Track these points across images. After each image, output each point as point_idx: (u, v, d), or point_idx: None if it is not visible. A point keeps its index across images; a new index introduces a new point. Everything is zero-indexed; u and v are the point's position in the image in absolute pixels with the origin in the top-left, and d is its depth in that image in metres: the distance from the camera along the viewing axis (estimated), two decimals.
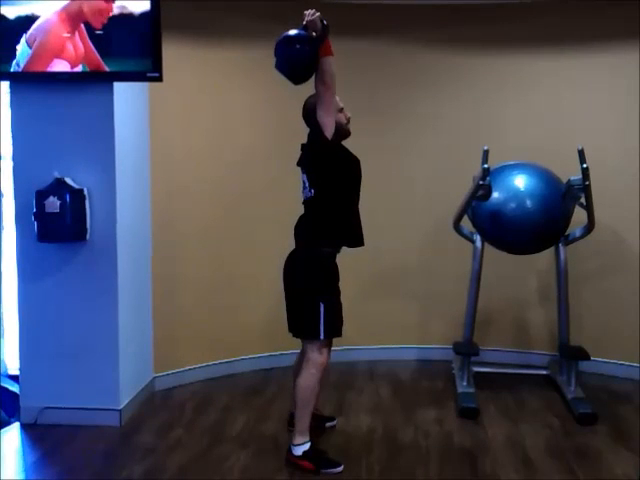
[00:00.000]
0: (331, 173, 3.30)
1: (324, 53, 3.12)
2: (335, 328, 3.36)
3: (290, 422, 3.77)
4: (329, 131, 3.21)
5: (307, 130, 3.39)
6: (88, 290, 3.81)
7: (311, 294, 3.31)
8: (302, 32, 3.11)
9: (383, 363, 4.94)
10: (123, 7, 3.58)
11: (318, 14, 3.13)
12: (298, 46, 3.09)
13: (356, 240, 3.44)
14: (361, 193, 3.45)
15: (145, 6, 3.57)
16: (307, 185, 3.37)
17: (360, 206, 3.46)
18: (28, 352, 3.88)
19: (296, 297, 3.38)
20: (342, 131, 3.34)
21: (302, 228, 3.42)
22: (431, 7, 4.75)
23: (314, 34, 3.12)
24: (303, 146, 3.44)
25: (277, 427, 3.84)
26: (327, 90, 3.15)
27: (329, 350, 3.41)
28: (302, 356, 3.47)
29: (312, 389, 3.34)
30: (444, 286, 5.02)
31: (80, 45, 3.61)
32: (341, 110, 3.34)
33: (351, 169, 3.39)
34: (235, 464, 3.40)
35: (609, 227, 4.60)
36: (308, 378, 3.32)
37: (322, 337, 3.29)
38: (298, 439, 3.36)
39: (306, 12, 3.15)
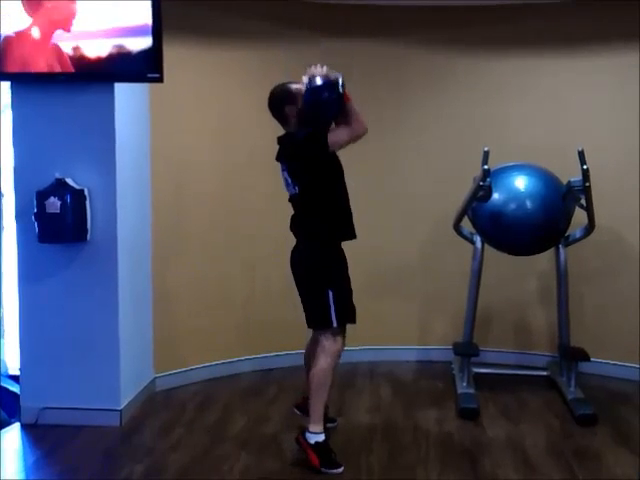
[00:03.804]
0: (316, 171, 3.32)
1: (347, 100, 3.29)
2: (347, 314, 3.38)
3: (298, 406, 3.78)
4: (332, 148, 3.26)
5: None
6: (88, 290, 3.81)
7: (319, 283, 3.33)
8: (327, 80, 3.22)
9: (383, 363, 4.94)
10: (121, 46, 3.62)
11: (325, 67, 3.25)
12: (327, 94, 3.23)
13: (348, 233, 3.44)
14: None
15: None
16: (290, 182, 3.38)
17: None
18: (28, 352, 3.88)
19: (305, 289, 3.40)
20: None
21: (297, 227, 3.44)
22: (431, 8, 4.76)
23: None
24: (280, 139, 3.42)
25: (277, 427, 3.84)
26: (358, 127, 3.30)
27: (343, 338, 3.41)
28: (314, 344, 3.47)
29: (326, 376, 3.35)
30: (444, 287, 5.03)
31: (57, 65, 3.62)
32: None
33: (333, 164, 3.39)
34: (235, 464, 3.40)
35: (609, 228, 4.59)
36: (323, 366, 3.33)
37: (335, 324, 3.31)
38: (314, 427, 3.35)
39: (313, 66, 3.25)
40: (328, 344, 3.34)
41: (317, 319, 3.37)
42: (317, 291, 3.34)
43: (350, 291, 3.44)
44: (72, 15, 3.59)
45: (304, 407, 3.64)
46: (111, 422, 3.83)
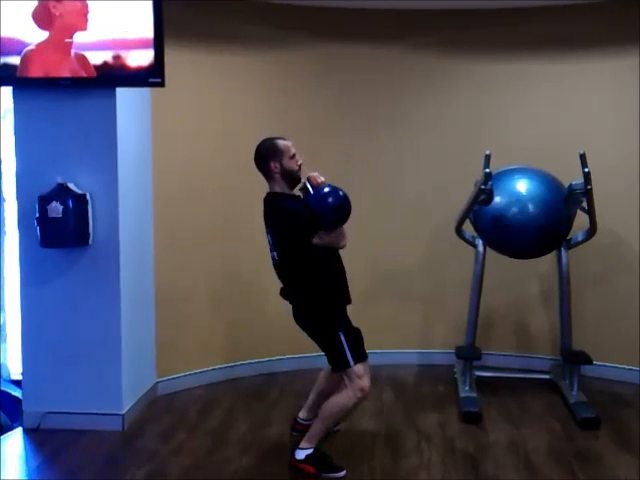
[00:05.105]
0: (296, 242, 3.30)
1: None
2: (361, 351, 3.37)
3: (293, 427, 3.78)
4: (315, 243, 3.24)
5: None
6: (90, 295, 3.82)
7: (327, 330, 3.34)
8: (338, 190, 3.25)
9: (385, 367, 4.91)
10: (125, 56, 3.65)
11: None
12: (341, 193, 3.24)
13: (343, 298, 3.43)
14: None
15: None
16: (271, 245, 3.37)
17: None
18: (31, 357, 3.89)
19: (316, 338, 3.40)
20: (293, 177, 3.35)
21: (290, 297, 3.43)
22: (431, 11, 4.76)
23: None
24: (266, 200, 3.39)
25: (280, 431, 3.85)
26: (340, 239, 3.30)
27: (368, 374, 3.38)
28: (333, 377, 3.51)
29: (342, 410, 3.37)
30: (446, 290, 5.02)
31: (78, 69, 3.64)
32: (293, 157, 3.34)
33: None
34: (238, 468, 3.40)
35: (611, 231, 4.59)
36: (344, 401, 3.33)
37: (352, 364, 3.29)
38: (305, 444, 3.38)
39: (315, 174, 3.31)
40: (354, 383, 3.31)
41: (336, 362, 3.37)
42: (328, 337, 3.34)
43: (357, 329, 3.42)
44: (85, 12, 3.60)
45: (300, 429, 3.67)
46: (113, 426, 3.83)
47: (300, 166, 3.37)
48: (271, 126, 4.71)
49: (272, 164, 3.31)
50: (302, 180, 3.35)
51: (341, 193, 3.24)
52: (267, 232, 3.39)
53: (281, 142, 3.35)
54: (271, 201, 3.37)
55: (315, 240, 3.23)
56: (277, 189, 3.35)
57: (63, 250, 3.77)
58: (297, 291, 3.40)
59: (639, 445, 3.67)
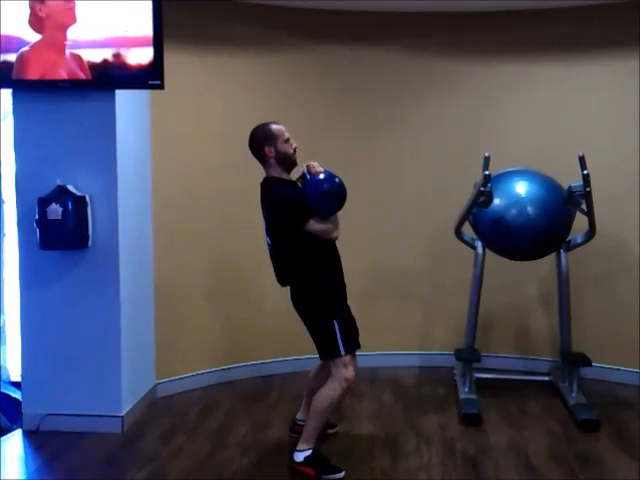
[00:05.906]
0: (291, 226, 3.30)
1: None
2: (353, 341, 3.38)
3: (292, 428, 3.77)
4: (307, 230, 3.24)
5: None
6: (90, 297, 3.81)
7: (322, 317, 3.33)
8: (335, 177, 3.29)
9: (385, 369, 4.93)
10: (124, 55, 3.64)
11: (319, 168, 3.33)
12: (337, 180, 3.27)
13: (341, 288, 3.43)
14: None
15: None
16: (265, 229, 3.39)
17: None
18: (30, 359, 3.88)
19: (311, 324, 3.40)
20: (289, 161, 3.36)
21: (288, 282, 3.42)
22: (431, 14, 4.76)
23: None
24: (262, 185, 3.41)
25: (279, 432, 3.85)
26: (332, 229, 3.31)
27: (354, 365, 3.39)
28: (320, 372, 3.52)
29: (331, 403, 3.35)
30: (446, 292, 5.02)
31: (74, 68, 3.63)
32: (287, 140, 3.35)
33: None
34: (238, 469, 3.40)
35: (610, 232, 4.59)
36: (328, 392, 3.33)
37: (343, 353, 3.30)
38: (302, 445, 3.37)
39: (315, 163, 3.33)
40: (338, 372, 3.32)
41: (326, 351, 3.37)
42: (322, 325, 3.34)
43: (353, 317, 3.44)
44: (70, 7, 3.58)
45: (299, 429, 3.65)
46: (113, 429, 3.83)
47: (295, 149, 3.38)
48: None
49: (267, 149, 3.32)
50: (300, 167, 3.36)
51: (337, 180, 3.25)
52: (263, 217, 3.40)
53: (274, 126, 3.37)
54: (268, 186, 3.38)
55: (307, 227, 3.23)
56: (273, 174, 3.36)
57: (62, 252, 3.77)
58: (297, 282, 3.39)
59: (639, 447, 3.67)
